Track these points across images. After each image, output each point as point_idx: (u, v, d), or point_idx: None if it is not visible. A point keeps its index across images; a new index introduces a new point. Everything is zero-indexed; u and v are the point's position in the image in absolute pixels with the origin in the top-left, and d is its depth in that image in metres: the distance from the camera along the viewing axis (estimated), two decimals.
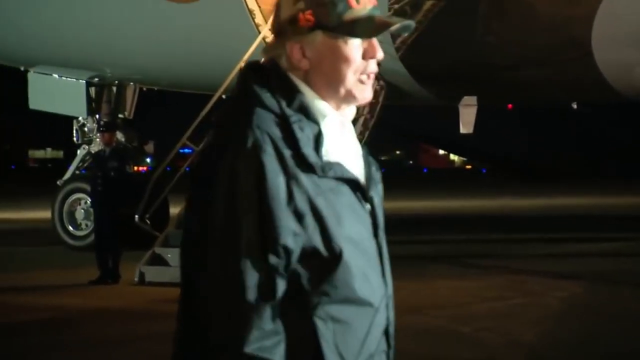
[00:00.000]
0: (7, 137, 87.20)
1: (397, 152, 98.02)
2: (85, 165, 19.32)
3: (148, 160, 53.32)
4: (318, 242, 2.49)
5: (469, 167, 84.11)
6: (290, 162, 2.47)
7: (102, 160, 14.62)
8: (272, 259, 2.45)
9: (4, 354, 9.44)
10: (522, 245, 19.18)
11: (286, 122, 2.52)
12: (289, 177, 2.46)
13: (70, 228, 19.20)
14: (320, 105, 2.59)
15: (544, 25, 17.62)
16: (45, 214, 20.64)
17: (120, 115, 20.16)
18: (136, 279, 14.05)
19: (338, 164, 2.55)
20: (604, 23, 17.18)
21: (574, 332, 10.19)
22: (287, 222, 2.44)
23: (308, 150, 2.50)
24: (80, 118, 19.85)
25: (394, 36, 18.17)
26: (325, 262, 2.51)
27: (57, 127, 23.28)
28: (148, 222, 16.90)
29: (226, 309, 2.46)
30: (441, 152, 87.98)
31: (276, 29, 2.63)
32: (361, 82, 2.63)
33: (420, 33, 17.81)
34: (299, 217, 2.46)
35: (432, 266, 15.92)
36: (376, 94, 18.79)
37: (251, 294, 2.44)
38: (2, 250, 19.05)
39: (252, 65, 2.64)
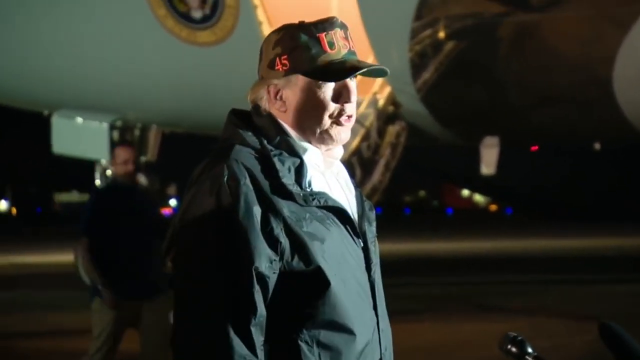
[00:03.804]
0: (33, 181, 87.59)
1: (421, 193, 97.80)
2: None
3: (174, 202, 53.44)
4: (299, 267, 2.53)
5: (493, 207, 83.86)
6: (268, 191, 2.54)
7: None
8: (248, 283, 2.50)
9: None
10: (546, 287, 19.04)
11: (266, 157, 2.59)
12: (266, 206, 2.52)
13: None
14: (301, 141, 2.66)
15: (565, 66, 17.64)
16: (69, 257, 20.64)
17: (143, 158, 20.18)
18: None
19: (322, 193, 2.61)
20: (625, 64, 17.17)
21: None
22: (261, 248, 2.50)
23: (287, 180, 2.57)
24: (103, 161, 19.90)
25: (415, 78, 18.22)
26: (308, 286, 2.54)
27: (84, 170, 23.34)
28: (170, 263, 16.88)
29: (202, 334, 2.50)
30: (465, 192, 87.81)
31: (259, 72, 2.71)
32: (337, 124, 2.66)
33: (441, 74, 17.88)
34: (274, 243, 2.51)
35: (456, 307, 15.82)
36: (398, 134, 18.86)
37: (228, 318, 2.49)
38: (26, 294, 19.05)
39: (236, 110, 2.73)
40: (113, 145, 19.83)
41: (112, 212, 7.74)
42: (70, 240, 20.97)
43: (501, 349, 2.41)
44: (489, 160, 19.67)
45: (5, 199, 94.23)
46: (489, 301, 16.63)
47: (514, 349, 2.41)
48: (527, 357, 2.40)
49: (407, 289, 17.40)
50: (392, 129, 18.92)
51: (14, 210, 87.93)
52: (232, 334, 2.49)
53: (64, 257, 22.77)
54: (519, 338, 2.42)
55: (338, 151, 2.72)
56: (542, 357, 2.40)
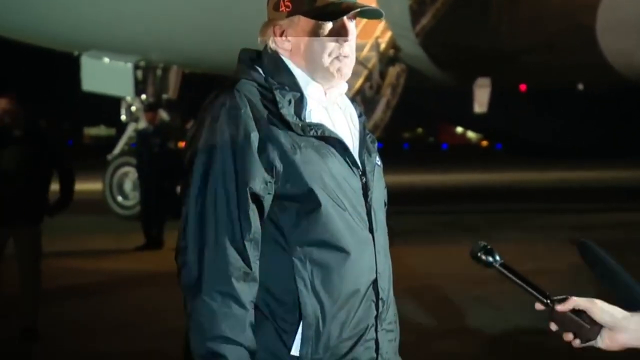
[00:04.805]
0: (65, 116, 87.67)
1: (419, 130, 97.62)
2: (133, 141, 19.36)
3: None
4: (292, 189, 2.55)
5: (484, 143, 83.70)
6: (266, 120, 2.56)
7: (147, 137, 14.61)
8: (243, 202, 2.52)
9: (59, 313, 9.46)
10: (533, 215, 19.05)
11: (268, 90, 2.61)
12: (264, 133, 2.55)
13: (119, 198, 19.28)
14: (303, 77, 2.66)
15: (552, 13, 17.52)
16: (97, 185, 20.71)
17: (165, 96, 20.17)
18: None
19: (320, 125, 2.62)
20: (607, 10, 17.06)
21: (583, 294, 10.08)
22: (255, 171, 2.53)
23: (286, 111, 2.58)
24: (128, 98, 19.90)
25: (415, 24, 18.11)
26: (301, 206, 2.56)
27: (111, 106, 23.33)
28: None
29: (202, 248, 2.53)
30: (459, 129, 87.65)
31: (267, 14, 2.72)
32: (337, 61, 2.66)
33: (438, 20, 17.74)
34: (270, 167, 2.54)
35: (449, 234, 15.85)
36: (398, 76, 18.78)
37: (225, 233, 2.52)
38: (57, 219, 19.07)
39: (246, 49, 2.75)
40: (136, 83, 19.82)
41: None
42: (99, 170, 21.06)
43: (472, 256, 2.42)
44: (481, 100, 19.61)
45: None
46: (480, 228, 16.67)
47: (483, 257, 2.41)
48: (494, 264, 2.40)
49: (404, 217, 17.43)
50: (393, 71, 18.85)
51: None
52: (228, 247, 2.51)
53: (94, 185, 22.86)
54: (489, 247, 2.43)
55: (341, 87, 2.73)
56: (508, 264, 2.40)
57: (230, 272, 2.49)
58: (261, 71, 2.66)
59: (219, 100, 2.60)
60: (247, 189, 2.52)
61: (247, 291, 2.51)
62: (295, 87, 2.64)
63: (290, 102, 2.61)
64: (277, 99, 2.59)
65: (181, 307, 2.57)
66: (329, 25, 2.64)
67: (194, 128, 2.63)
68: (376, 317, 2.67)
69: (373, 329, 2.67)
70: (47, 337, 8.30)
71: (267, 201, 2.55)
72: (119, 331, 8.76)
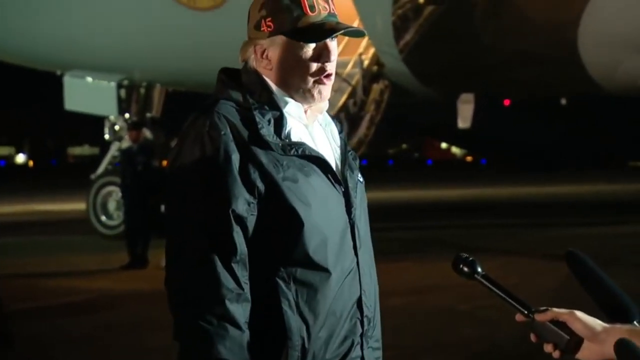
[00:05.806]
0: (49, 135, 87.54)
1: (403, 146, 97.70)
2: (117, 160, 19.32)
3: None
4: (275, 209, 2.54)
5: (469, 158, 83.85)
6: (247, 141, 2.54)
7: (131, 156, 14.58)
8: (227, 224, 2.50)
9: (45, 333, 9.42)
10: (519, 230, 19.07)
11: (248, 110, 2.59)
12: (244, 154, 2.53)
13: (103, 218, 19.23)
14: (283, 96, 2.64)
15: (535, 28, 17.60)
16: (81, 205, 20.64)
17: (148, 114, 20.15)
18: (163, 264, 13.99)
19: (301, 144, 2.61)
20: (589, 25, 17.15)
21: (568, 307, 10.07)
22: (238, 192, 2.51)
23: (266, 131, 2.56)
24: (111, 117, 19.87)
25: (398, 40, 18.15)
26: (284, 226, 2.55)
27: (95, 126, 23.31)
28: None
29: (191, 272, 2.52)
30: (443, 145, 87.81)
31: (247, 33, 2.69)
32: (319, 82, 2.64)
33: (421, 36, 17.78)
34: (252, 188, 2.52)
35: (435, 250, 15.85)
36: (381, 92, 18.83)
37: (212, 257, 2.50)
38: (42, 239, 19.06)
39: (226, 69, 2.73)
40: (120, 102, 19.80)
41: None
42: (82, 190, 20.98)
43: (454, 268, 2.41)
44: (465, 115, 19.65)
45: (23, 153, 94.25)
46: (466, 243, 16.65)
47: (465, 269, 2.40)
48: (476, 275, 2.39)
49: (390, 232, 17.43)
50: (377, 87, 18.89)
51: (30, 163, 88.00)
52: (218, 270, 2.49)
53: (77, 205, 22.82)
54: (470, 258, 2.42)
55: (322, 105, 2.70)
56: (489, 276, 2.40)
57: (224, 294, 2.48)
58: (240, 90, 2.63)
59: (198, 123, 2.57)
60: (230, 211, 2.50)
61: (242, 312, 2.49)
62: (274, 106, 2.62)
63: (270, 121, 2.59)
64: (257, 119, 2.57)
65: (168, 324, 2.56)
66: (311, 47, 2.62)
67: (175, 151, 2.60)
68: (362, 334, 2.66)
69: (359, 346, 2.66)
70: (31, 351, 8.28)
71: (251, 222, 2.53)
72: (104, 347, 8.73)
